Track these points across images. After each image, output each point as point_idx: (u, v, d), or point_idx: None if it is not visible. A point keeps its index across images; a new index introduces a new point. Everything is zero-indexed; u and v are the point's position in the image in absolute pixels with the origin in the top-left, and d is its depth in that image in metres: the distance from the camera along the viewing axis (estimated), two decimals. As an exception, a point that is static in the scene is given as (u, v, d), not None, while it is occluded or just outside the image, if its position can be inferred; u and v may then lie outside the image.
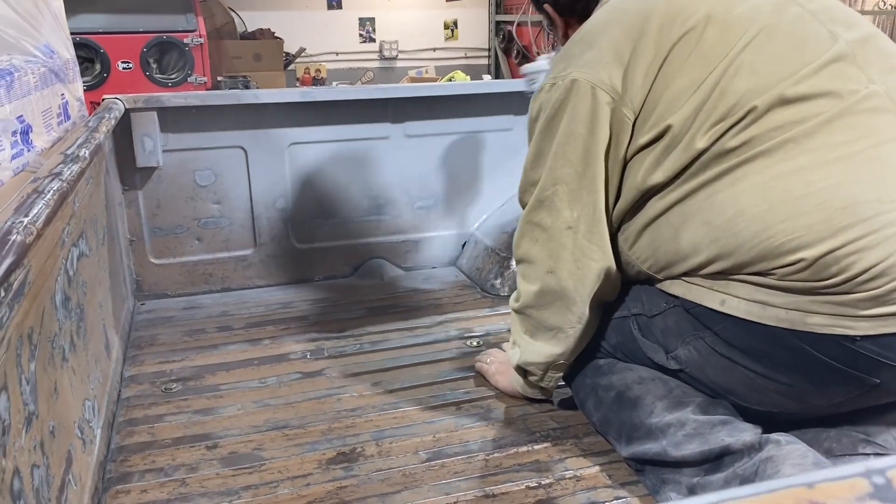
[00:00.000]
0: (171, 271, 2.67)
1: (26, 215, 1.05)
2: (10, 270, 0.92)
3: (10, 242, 0.94)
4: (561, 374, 1.73)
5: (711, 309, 1.30)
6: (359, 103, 2.67)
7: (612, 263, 1.48)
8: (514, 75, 6.44)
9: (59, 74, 1.96)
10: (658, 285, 1.44)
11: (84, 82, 4.66)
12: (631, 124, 1.35)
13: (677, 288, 1.37)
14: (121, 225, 2.51)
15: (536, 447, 1.72)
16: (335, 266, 2.82)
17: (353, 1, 6.38)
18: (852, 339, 1.16)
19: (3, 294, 1.02)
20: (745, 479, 1.25)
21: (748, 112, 1.21)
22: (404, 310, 2.54)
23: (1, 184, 1.30)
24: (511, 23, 5.94)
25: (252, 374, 2.11)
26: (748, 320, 1.24)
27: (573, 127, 1.40)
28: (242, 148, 2.61)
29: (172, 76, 4.90)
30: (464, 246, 2.95)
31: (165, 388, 2.05)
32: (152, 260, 2.64)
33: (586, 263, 1.48)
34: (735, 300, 1.26)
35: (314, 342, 2.30)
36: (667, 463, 1.40)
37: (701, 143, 1.25)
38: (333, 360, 2.18)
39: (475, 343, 2.28)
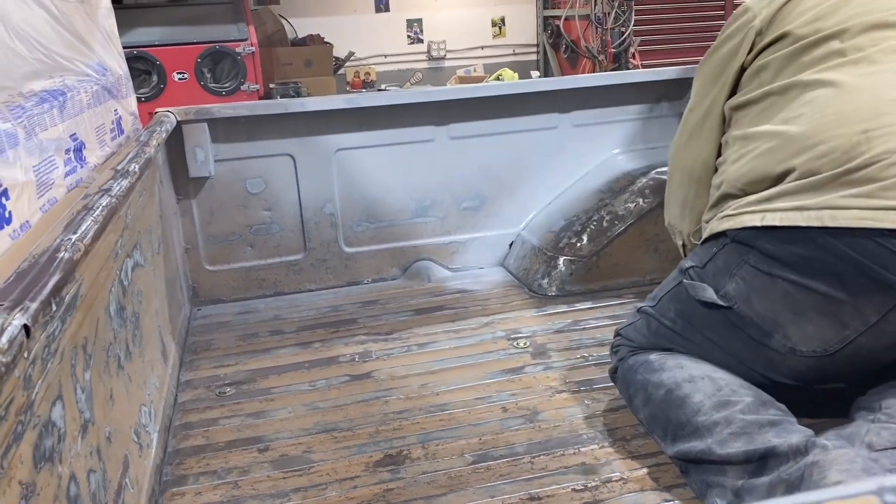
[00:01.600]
0: (226, 277, 2.74)
1: (75, 232, 1.09)
2: (59, 287, 0.97)
3: (59, 259, 0.98)
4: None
5: (753, 227, 1.41)
6: (403, 107, 2.69)
7: (710, 156, 1.71)
8: (563, 71, 6.38)
9: (112, 91, 2.04)
10: (707, 233, 1.58)
11: (142, 94, 4.84)
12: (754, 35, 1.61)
13: (725, 223, 1.49)
14: (176, 234, 2.59)
15: (583, 449, 1.71)
16: (383, 268, 2.85)
17: (401, 3, 6.43)
18: (881, 232, 1.24)
19: (54, 308, 1.07)
20: (791, 485, 1.23)
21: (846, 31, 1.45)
22: (451, 311, 2.55)
23: (55, 200, 1.36)
24: (559, 18, 5.89)
25: (302, 377, 2.15)
26: (786, 227, 1.35)
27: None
28: (291, 155, 2.66)
29: (226, 85, 5.02)
30: (511, 246, 2.94)
31: (220, 392, 2.11)
32: (207, 267, 2.72)
33: (692, 144, 1.75)
34: (773, 213, 1.38)
35: (362, 345, 2.33)
36: (711, 461, 1.38)
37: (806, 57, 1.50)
38: (381, 363, 2.21)
39: (522, 344, 2.27)
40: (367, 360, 2.24)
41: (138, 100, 4.85)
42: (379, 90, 6.13)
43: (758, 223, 1.41)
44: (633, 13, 5.16)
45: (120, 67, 2.25)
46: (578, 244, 2.67)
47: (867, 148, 1.30)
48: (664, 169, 2.70)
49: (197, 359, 2.33)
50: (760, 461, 1.31)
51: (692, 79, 2.85)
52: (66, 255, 1.01)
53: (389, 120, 2.69)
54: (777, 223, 1.37)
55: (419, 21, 6.53)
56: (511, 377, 2.08)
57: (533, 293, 2.67)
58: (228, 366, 2.26)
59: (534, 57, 6.81)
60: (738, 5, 5.80)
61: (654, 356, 1.62)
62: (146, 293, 1.97)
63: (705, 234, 1.60)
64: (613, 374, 1.76)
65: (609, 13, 5.13)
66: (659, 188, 2.64)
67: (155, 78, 4.91)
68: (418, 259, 2.88)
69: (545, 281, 2.67)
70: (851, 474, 1.18)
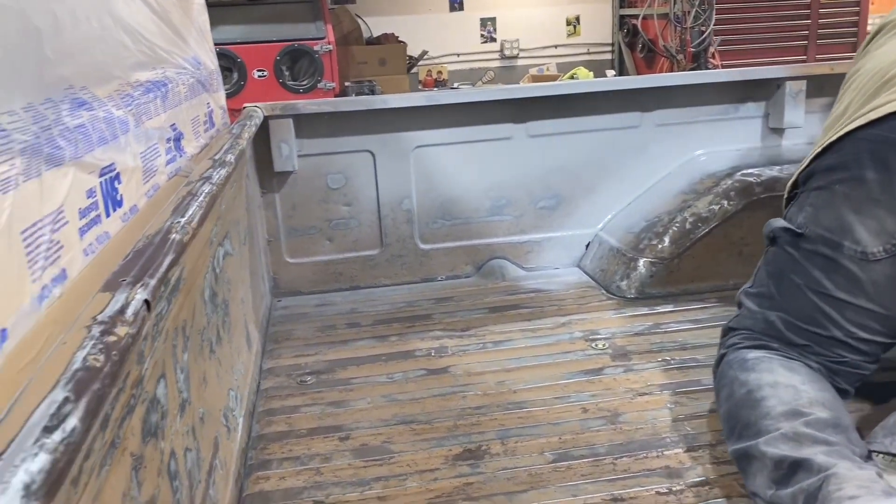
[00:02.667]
0: (305, 270, 2.79)
1: (183, 216, 1.13)
2: (171, 266, 1.00)
3: (171, 241, 1.02)
4: None
5: (815, 157, 1.62)
6: (482, 105, 2.69)
7: None
8: (639, 70, 6.28)
9: (205, 84, 2.10)
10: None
11: (223, 90, 4.98)
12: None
13: (797, 174, 1.70)
14: (259, 226, 2.65)
15: (667, 452, 1.67)
16: (458, 266, 2.86)
17: (475, 2, 6.43)
18: None
19: (164, 289, 1.11)
20: (810, 496, 1.24)
21: None
22: (527, 310, 2.54)
23: (158, 187, 1.41)
24: (636, 16, 5.80)
25: (380, 369, 2.17)
26: (837, 139, 1.56)
27: None
28: (371, 152, 2.69)
29: (304, 82, 5.12)
30: (587, 246, 2.91)
31: (300, 381, 2.15)
32: (288, 259, 2.78)
33: None
34: (833, 134, 1.59)
35: (438, 340, 2.34)
36: (753, 456, 1.39)
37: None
38: (457, 359, 2.21)
39: (601, 345, 2.24)
40: (443, 355, 2.24)
41: (220, 96, 5.00)
42: (452, 88, 6.16)
43: (818, 151, 1.61)
44: (714, 12, 5.04)
45: (212, 62, 2.31)
46: (660, 246, 2.62)
47: None
48: (749, 170, 2.64)
49: (278, 348, 2.38)
50: (790, 470, 1.31)
51: (777, 79, 2.79)
52: (177, 237, 1.04)
53: (468, 117, 2.70)
54: (833, 139, 1.57)
55: (493, 20, 6.52)
56: (590, 378, 2.06)
57: (611, 295, 2.63)
58: (308, 355, 2.30)
59: (608, 56, 6.72)
60: (824, 5, 5.61)
61: (752, 354, 1.58)
62: (234, 282, 2.03)
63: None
64: (715, 369, 1.73)
65: (689, 12, 5.02)
66: (745, 190, 2.57)
67: (236, 75, 5.04)
68: (493, 257, 2.88)
69: (624, 283, 2.63)
70: (870, 492, 1.17)
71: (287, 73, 5.10)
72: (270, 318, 2.61)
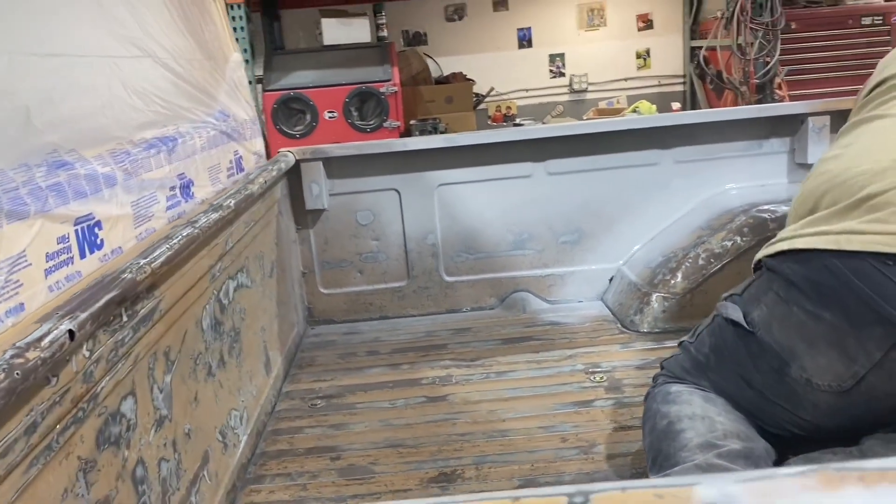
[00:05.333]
0: (338, 300, 3.00)
1: (145, 257, 1.33)
2: (118, 302, 1.20)
3: (121, 280, 1.21)
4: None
5: (782, 252, 1.45)
6: (500, 145, 2.83)
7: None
8: (710, 102, 6.21)
9: (233, 134, 2.34)
10: (753, 262, 1.62)
11: (297, 131, 5.34)
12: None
13: (763, 251, 1.55)
14: (294, 259, 2.88)
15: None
16: (481, 298, 2.98)
17: (543, 38, 6.57)
18: (885, 260, 1.27)
19: (125, 319, 1.31)
20: None
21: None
22: (537, 342, 2.63)
23: (153, 230, 1.63)
24: (708, 48, 5.75)
25: (385, 395, 2.33)
26: (807, 250, 1.40)
27: None
28: (397, 190, 2.87)
29: (370, 122, 5.39)
30: (611, 280, 2.96)
31: (312, 404, 2.33)
32: (322, 290, 2.99)
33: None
34: (801, 238, 1.43)
35: (446, 369, 2.47)
36: None
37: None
38: (459, 387, 2.33)
39: (598, 378, 2.31)
40: (446, 383, 2.37)
41: (293, 136, 5.36)
42: (514, 124, 6.29)
43: (785, 248, 1.45)
44: (780, 42, 4.96)
45: (245, 113, 2.56)
46: (672, 281, 2.65)
47: (894, 174, 1.31)
48: (766, 206, 2.64)
49: (300, 373, 2.57)
50: None
51: (800, 115, 2.78)
52: (129, 276, 1.24)
53: (487, 157, 2.83)
54: (800, 247, 1.41)
55: (561, 55, 6.63)
56: (579, 409, 2.13)
57: (625, 329, 2.68)
58: (325, 380, 2.48)
59: (680, 88, 6.68)
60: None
61: (675, 388, 1.63)
62: (251, 311, 2.24)
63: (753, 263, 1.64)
64: (645, 400, 1.78)
65: (753, 43, 4.96)
66: (759, 226, 2.58)
67: (308, 116, 5.38)
68: (516, 290, 2.98)
69: (637, 317, 2.68)
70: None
71: (355, 114, 5.39)
72: (301, 345, 2.82)
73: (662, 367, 1.78)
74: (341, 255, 2.96)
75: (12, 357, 0.90)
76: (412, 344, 2.72)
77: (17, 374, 0.88)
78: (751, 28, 4.98)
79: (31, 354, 0.92)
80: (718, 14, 5.47)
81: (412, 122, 5.49)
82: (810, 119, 2.75)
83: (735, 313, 1.55)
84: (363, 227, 2.92)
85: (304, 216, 2.90)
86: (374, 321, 2.98)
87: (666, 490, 0.48)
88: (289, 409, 2.31)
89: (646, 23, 6.65)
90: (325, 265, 2.97)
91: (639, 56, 6.68)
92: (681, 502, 0.47)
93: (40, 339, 0.96)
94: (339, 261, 2.96)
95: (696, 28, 6.49)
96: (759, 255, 1.56)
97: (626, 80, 6.66)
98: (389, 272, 2.97)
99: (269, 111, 5.23)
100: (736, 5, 5.08)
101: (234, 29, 4.81)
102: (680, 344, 1.75)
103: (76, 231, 1.29)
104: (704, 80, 6.17)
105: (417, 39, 6.68)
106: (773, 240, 1.55)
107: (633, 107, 5.53)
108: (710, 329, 1.65)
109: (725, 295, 1.64)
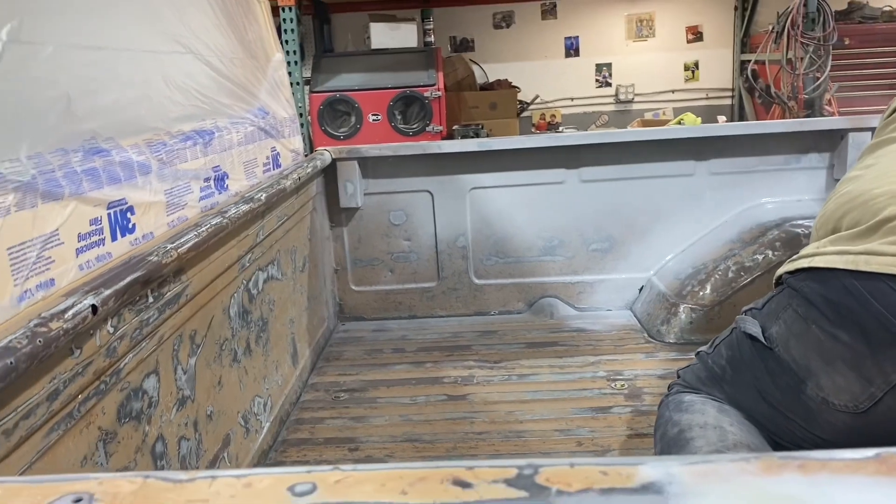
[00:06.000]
0: (368, 298, 3.05)
1: (172, 242, 1.40)
2: (145, 282, 1.26)
3: (146, 262, 1.28)
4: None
5: (802, 269, 1.44)
6: (534, 150, 2.85)
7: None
8: (757, 116, 6.12)
9: (271, 131, 2.42)
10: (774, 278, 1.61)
11: (341, 132, 5.44)
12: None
13: (784, 268, 1.54)
14: (327, 256, 2.95)
15: (636, 489, 1.74)
16: (509, 302, 3.00)
17: (591, 48, 6.56)
18: None
19: (151, 300, 1.38)
20: None
21: None
22: (562, 348, 2.64)
23: (185, 218, 1.70)
24: (757, 62, 5.67)
25: (407, 391, 2.37)
26: (827, 269, 1.38)
27: None
28: (430, 192, 2.92)
29: (413, 126, 5.46)
30: (641, 290, 2.96)
31: (335, 396, 2.38)
32: (353, 287, 3.05)
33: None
34: (821, 257, 1.41)
35: (469, 369, 2.50)
36: None
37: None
38: (480, 388, 2.36)
39: (619, 385, 2.31)
40: (468, 383, 2.40)
41: (337, 138, 5.45)
42: (556, 132, 6.29)
43: (805, 265, 1.43)
44: (831, 58, 4.86)
45: (285, 111, 2.64)
46: (701, 293, 2.64)
47: None
48: (800, 221, 2.61)
49: (327, 366, 2.63)
50: None
51: (841, 130, 2.74)
52: (155, 259, 1.30)
53: (522, 162, 2.86)
54: (820, 265, 1.39)
55: (608, 65, 6.61)
56: (596, 415, 2.14)
57: (651, 339, 2.67)
58: (350, 374, 2.54)
59: (728, 101, 6.59)
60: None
61: (688, 397, 1.63)
62: (280, 303, 2.30)
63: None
64: (658, 408, 1.78)
65: (803, 57, 4.87)
66: (791, 241, 2.55)
67: (353, 118, 5.47)
68: (545, 296, 2.99)
69: (664, 327, 2.67)
70: None
71: (399, 117, 5.46)
72: (330, 340, 2.88)
73: (678, 376, 1.78)
74: (373, 253, 3.01)
75: (36, 325, 0.97)
76: (438, 343, 2.75)
77: (40, 341, 0.95)
78: (801, 42, 4.90)
79: (55, 325, 0.99)
80: (769, 27, 5.39)
81: (455, 127, 5.54)
82: (851, 135, 2.70)
83: (753, 328, 1.54)
84: (396, 226, 2.97)
85: (339, 214, 2.97)
86: (402, 320, 3.02)
87: (611, 468, 0.50)
88: (313, 400, 2.37)
89: (695, 35, 6.59)
90: (357, 263, 3.03)
91: (686, 68, 6.62)
92: (624, 479, 0.49)
93: (64, 311, 1.03)
94: (371, 259, 3.02)
95: (746, 41, 6.40)
96: (781, 270, 1.55)
97: (672, 91, 6.60)
98: (420, 272, 3.01)
99: (316, 112, 5.34)
100: (787, 19, 5.00)
101: (285, 31, 4.96)
102: (697, 354, 1.75)
103: (109, 214, 1.36)
104: (753, 94, 6.08)
105: (464, 46, 6.73)
106: (794, 256, 1.54)
107: (677, 119, 5.49)
108: (728, 341, 1.64)
109: (746, 308, 1.63)
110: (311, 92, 5.37)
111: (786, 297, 1.49)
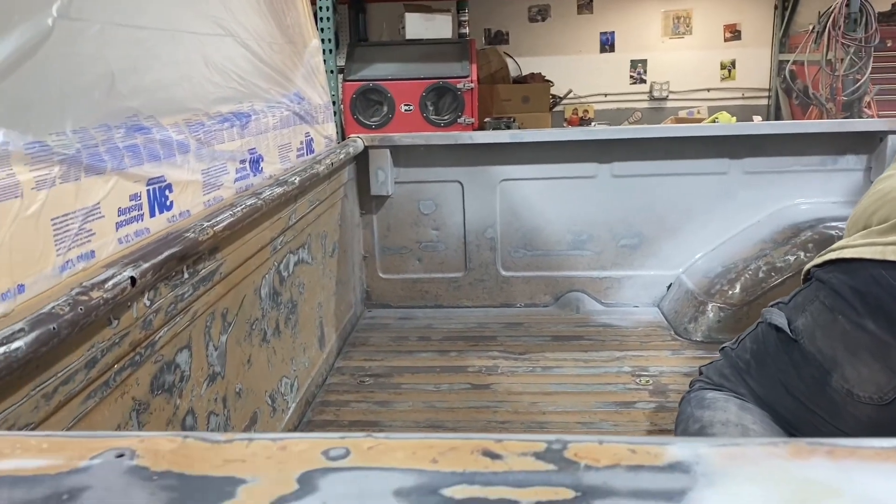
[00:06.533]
0: (395, 286, 3.07)
1: (209, 220, 1.42)
2: (179, 258, 1.29)
3: (183, 238, 1.31)
4: None
5: (830, 261, 1.46)
6: (567, 144, 2.84)
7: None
8: (794, 117, 6.03)
9: (305, 117, 2.44)
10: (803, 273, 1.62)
11: (373, 122, 5.46)
12: None
13: (812, 262, 1.56)
14: (356, 243, 2.97)
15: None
16: (536, 294, 3.00)
17: (626, 44, 6.51)
18: None
19: (186, 276, 1.41)
20: None
21: None
22: (588, 342, 2.64)
23: (221, 198, 1.73)
24: (795, 62, 5.59)
25: (431, 379, 2.38)
26: (855, 260, 1.40)
27: None
28: (460, 182, 2.93)
29: (445, 117, 5.47)
30: (669, 287, 2.94)
31: (361, 381, 2.41)
32: (381, 274, 3.07)
33: None
34: (850, 249, 1.43)
35: (493, 360, 2.51)
36: None
37: None
38: (504, 378, 2.37)
39: (644, 381, 2.31)
40: (492, 373, 2.41)
41: (369, 127, 5.47)
42: (589, 127, 6.26)
43: (833, 257, 1.46)
44: (872, 59, 4.77)
45: (320, 97, 2.66)
46: (730, 292, 2.62)
47: None
48: (833, 223, 2.58)
49: (353, 350, 2.66)
50: None
51: (880, 132, 2.69)
52: (192, 236, 1.33)
53: (552, 155, 2.85)
54: (848, 256, 1.42)
55: (643, 62, 6.55)
56: (620, 409, 2.14)
57: (678, 336, 2.66)
58: (375, 360, 2.56)
59: (764, 101, 6.50)
60: None
61: (710, 394, 1.63)
62: (310, 287, 2.33)
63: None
64: (680, 405, 1.78)
65: (843, 59, 4.78)
66: (824, 242, 2.51)
67: (385, 108, 5.49)
68: (571, 290, 2.99)
69: (692, 325, 2.65)
70: None
71: (431, 108, 5.47)
72: (357, 326, 2.90)
73: (701, 373, 1.77)
74: (402, 241, 3.03)
75: (78, 294, 0.99)
76: (463, 333, 2.76)
77: (81, 309, 0.97)
78: (842, 43, 4.82)
79: (95, 294, 1.01)
80: (810, 27, 5.31)
81: (486, 119, 5.53)
82: (890, 137, 2.66)
83: (779, 319, 1.55)
84: (425, 216, 2.99)
85: (369, 201, 2.99)
86: (428, 308, 3.04)
87: (639, 446, 0.51)
88: (338, 384, 2.39)
89: (733, 33, 6.50)
90: (386, 250, 3.05)
91: (723, 67, 6.54)
92: (652, 458, 0.50)
93: (104, 281, 1.05)
94: (400, 247, 3.04)
95: (785, 41, 6.31)
96: (809, 265, 1.56)
97: (708, 90, 6.53)
98: (447, 262, 3.03)
99: (348, 101, 5.37)
100: (829, 19, 4.92)
101: (321, 19, 4.98)
102: (721, 350, 1.74)
103: (148, 191, 1.39)
104: (790, 95, 6.00)
105: (499, 38, 6.72)
106: (822, 252, 1.55)
107: (712, 117, 5.43)
108: (754, 335, 1.64)
109: (772, 303, 1.63)
110: (345, 80, 5.40)
111: (813, 290, 1.50)
